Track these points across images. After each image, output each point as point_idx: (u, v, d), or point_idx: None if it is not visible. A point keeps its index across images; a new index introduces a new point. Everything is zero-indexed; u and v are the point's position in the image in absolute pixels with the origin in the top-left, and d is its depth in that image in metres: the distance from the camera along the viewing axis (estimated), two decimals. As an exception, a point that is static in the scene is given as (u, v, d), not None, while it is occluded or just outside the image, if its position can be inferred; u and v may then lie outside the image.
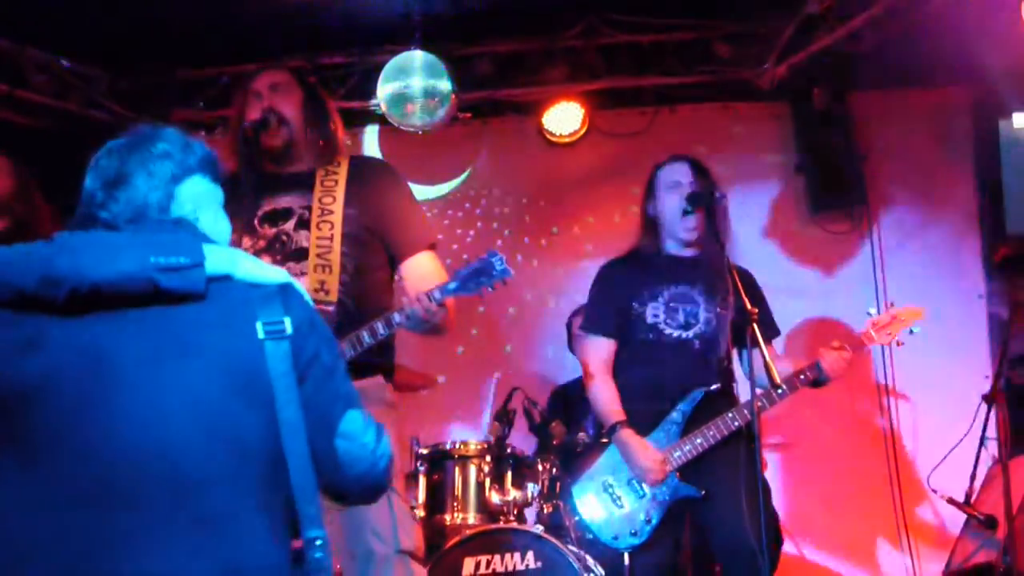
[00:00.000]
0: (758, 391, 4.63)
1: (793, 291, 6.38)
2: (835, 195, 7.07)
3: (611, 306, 5.14)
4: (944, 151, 7.15)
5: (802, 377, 4.95)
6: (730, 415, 4.89)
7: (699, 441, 4.88)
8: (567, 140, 7.43)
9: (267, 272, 2.48)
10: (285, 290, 2.47)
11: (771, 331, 5.11)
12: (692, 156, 5.22)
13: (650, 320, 5.03)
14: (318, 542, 2.30)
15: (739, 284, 4.51)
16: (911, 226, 7.11)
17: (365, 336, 4.00)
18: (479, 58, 7.15)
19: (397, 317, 4.00)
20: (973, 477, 5.83)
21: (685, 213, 4.99)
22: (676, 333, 5.02)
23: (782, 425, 6.38)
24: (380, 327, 4.00)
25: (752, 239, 6.92)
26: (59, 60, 6.96)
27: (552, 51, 7.10)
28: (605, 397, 5.04)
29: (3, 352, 2.18)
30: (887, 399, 6.88)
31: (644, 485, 4.90)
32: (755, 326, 4.39)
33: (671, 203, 5.08)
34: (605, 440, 5.09)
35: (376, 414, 4.08)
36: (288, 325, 2.38)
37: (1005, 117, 6.72)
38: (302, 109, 4.33)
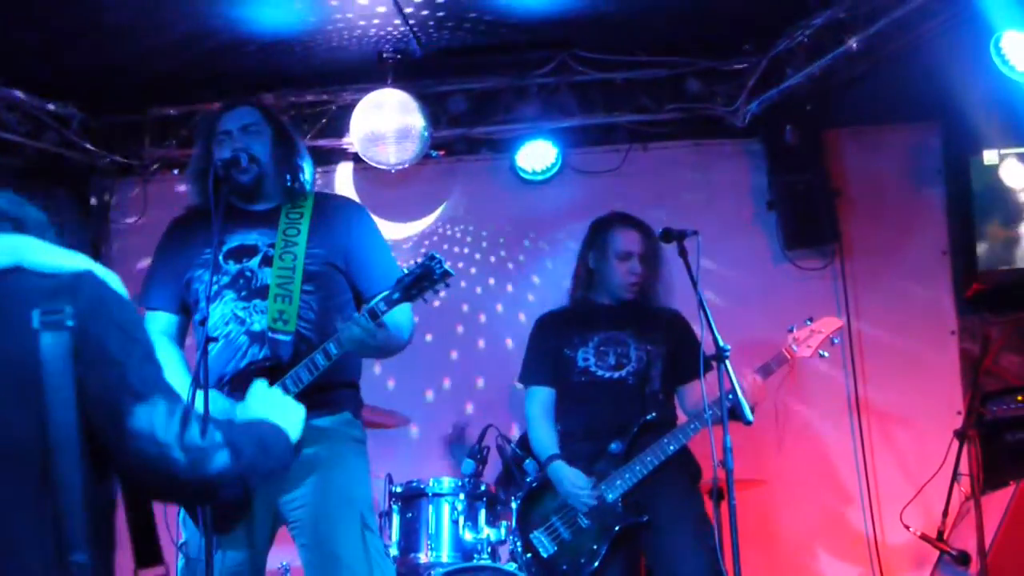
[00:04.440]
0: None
1: (765, 328, 6.37)
2: (808, 232, 7.06)
3: (543, 356, 5.38)
4: (915, 187, 7.17)
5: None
6: (665, 439, 5.05)
7: (637, 468, 5.04)
8: (540, 178, 7.42)
9: (62, 260, 2.22)
10: (80, 277, 2.20)
11: (693, 372, 4.79)
12: (637, 219, 5.47)
13: (581, 364, 5.24)
14: (82, 567, 2.07)
15: (708, 322, 4.49)
16: (882, 262, 7.11)
17: (319, 358, 3.97)
18: (452, 96, 7.18)
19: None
20: (945, 513, 5.84)
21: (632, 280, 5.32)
22: (608, 374, 5.19)
23: (753, 462, 6.37)
24: (332, 347, 3.96)
25: (725, 277, 6.91)
26: (32, 98, 6.93)
27: (525, 89, 7.14)
28: (541, 439, 5.25)
29: None
30: (859, 434, 6.87)
31: (585, 515, 5.05)
32: (727, 363, 4.44)
33: (620, 270, 5.33)
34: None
35: (344, 451, 4.13)
36: (68, 314, 2.12)
37: (976, 153, 6.75)
38: (272, 148, 4.33)
